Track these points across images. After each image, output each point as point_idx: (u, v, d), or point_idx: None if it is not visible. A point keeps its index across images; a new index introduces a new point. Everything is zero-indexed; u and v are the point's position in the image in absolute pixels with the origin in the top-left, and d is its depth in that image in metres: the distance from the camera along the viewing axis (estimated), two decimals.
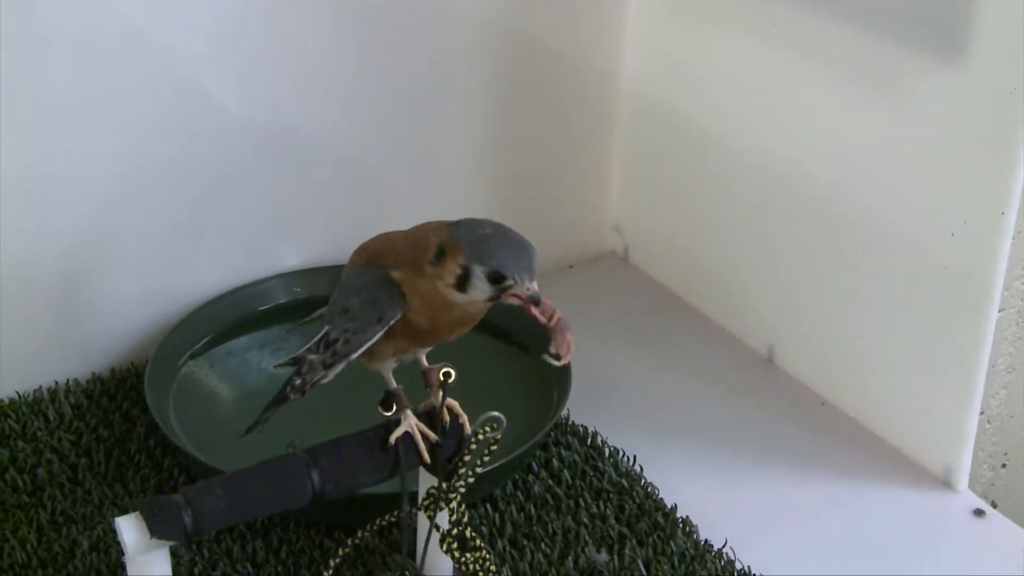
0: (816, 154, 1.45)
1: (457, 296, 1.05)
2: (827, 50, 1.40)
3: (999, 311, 1.32)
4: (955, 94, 1.27)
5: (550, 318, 1.05)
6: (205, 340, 1.49)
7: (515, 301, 1.05)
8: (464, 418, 1.13)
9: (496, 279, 1.04)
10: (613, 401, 1.50)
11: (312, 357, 1.12)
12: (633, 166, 1.75)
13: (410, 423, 1.11)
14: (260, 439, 1.31)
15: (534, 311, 1.05)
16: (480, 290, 1.04)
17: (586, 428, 1.43)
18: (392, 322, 1.07)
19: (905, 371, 1.41)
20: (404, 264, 1.07)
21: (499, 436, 1.13)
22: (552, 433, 1.41)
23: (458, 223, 1.07)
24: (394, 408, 1.12)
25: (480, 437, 1.13)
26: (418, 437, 1.11)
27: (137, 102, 1.40)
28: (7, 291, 1.40)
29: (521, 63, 1.63)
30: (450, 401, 1.13)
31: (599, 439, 1.41)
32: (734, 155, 1.56)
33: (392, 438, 1.10)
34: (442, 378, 1.13)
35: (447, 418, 1.12)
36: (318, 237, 1.57)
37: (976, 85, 1.25)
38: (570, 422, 1.43)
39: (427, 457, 1.11)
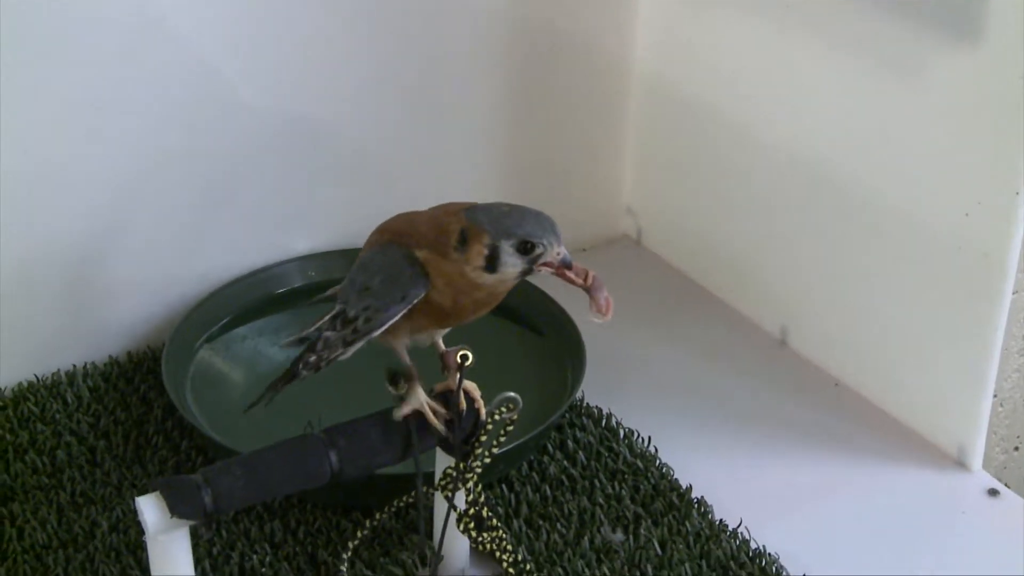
0: (829, 136, 1.46)
1: (487, 278, 1.05)
2: (840, 32, 1.40)
3: (1013, 293, 1.32)
4: (969, 75, 1.27)
5: (585, 278, 1.07)
6: (221, 324, 1.50)
7: (547, 270, 1.06)
8: (480, 402, 1.13)
9: (526, 249, 1.04)
10: (628, 383, 1.51)
11: (329, 334, 1.12)
12: (646, 149, 1.75)
13: (419, 399, 1.11)
14: (277, 420, 1.32)
15: (569, 275, 1.07)
16: (511, 265, 1.05)
17: (601, 410, 1.43)
18: (415, 301, 1.08)
19: (919, 352, 1.42)
20: (428, 245, 1.07)
21: (515, 417, 1.14)
22: (567, 415, 1.41)
23: (474, 207, 1.07)
24: (401, 384, 1.12)
25: (496, 418, 1.14)
26: (428, 412, 1.11)
27: (151, 90, 1.40)
28: (24, 276, 1.41)
29: (534, 46, 1.63)
30: (467, 383, 1.13)
31: (614, 420, 1.42)
32: (747, 138, 1.57)
33: (398, 413, 1.10)
34: (459, 360, 1.13)
35: (463, 403, 1.13)
36: (331, 222, 1.58)
37: (991, 66, 1.25)
38: (585, 404, 1.44)
39: (442, 429, 1.11)
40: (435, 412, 1.12)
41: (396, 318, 1.08)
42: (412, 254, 1.08)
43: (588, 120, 1.73)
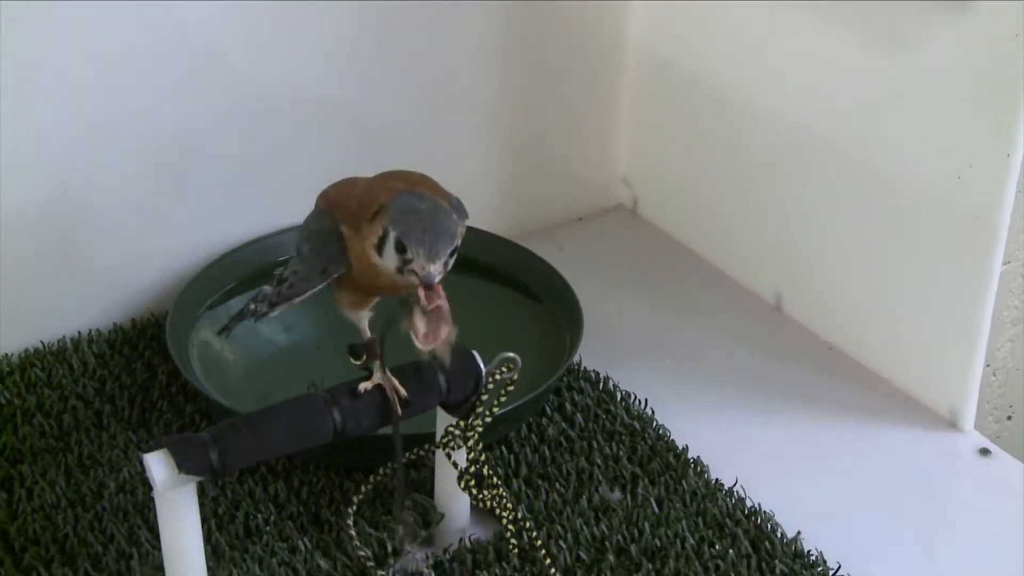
0: (821, 102, 1.48)
1: (375, 259, 1.07)
2: (832, 1, 1.42)
3: (1004, 263, 1.35)
4: (960, 39, 1.29)
5: (429, 302, 1.05)
6: (222, 291, 1.52)
7: (414, 280, 1.06)
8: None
9: (400, 249, 1.05)
10: (624, 348, 1.53)
11: (267, 288, 1.17)
12: (641, 120, 1.77)
13: (381, 376, 1.14)
14: (280, 383, 1.35)
15: (420, 292, 1.05)
16: (389, 257, 1.06)
17: (598, 373, 1.46)
18: (335, 276, 1.10)
19: (911, 315, 1.44)
20: (350, 221, 1.10)
21: (515, 376, 1.16)
22: (565, 378, 1.44)
23: (407, 192, 1.08)
24: (363, 358, 1.15)
25: (497, 377, 1.16)
26: (388, 387, 1.13)
27: (159, 60, 1.42)
28: (29, 244, 1.42)
29: (530, 20, 1.64)
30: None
31: (611, 384, 1.44)
32: (739, 107, 1.58)
33: (361, 387, 1.13)
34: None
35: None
36: None
37: (981, 29, 1.27)
38: (583, 368, 1.46)
39: (399, 410, 1.13)
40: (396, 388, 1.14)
41: (315, 290, 1.12)
42: (337, 228, 1.10)
43: (584, 92, 1.75)
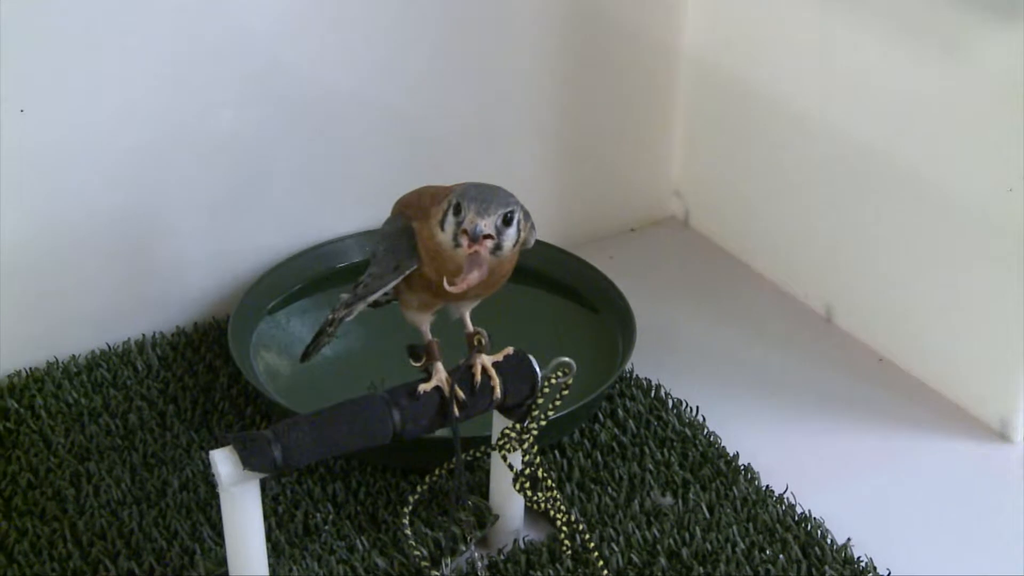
0: (873, 115, 1.49)
1: (439, 234, 1.10)
2: (885, 10, 1.44)
3: None
4: (1012, 51, 1.30)
5: (470, 245, 1.08)
6: (282, 296, 1.55)
7: (464, 240, 1.08)
8: (496, 380, 1.17)
9: (456, 211, 1.09)
10: (676, 357, 1.55)
11: (345, 295, 1.20)
12: (694, 132, 1.79)
13: (440, 377, 1.16)
14: (339, 385, 1.38)
15: (465, 240, 1.08)
16: (448, 225, 1.09)
17: (650, 381, 1.48)
18: (408, 272, 1.14)
19: (961, 327, 1.45)
20: (422, 215, 1.13)
21: (570, 381, 1.19)
22: (618, 385, 1.46)
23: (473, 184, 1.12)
24: (423, 360, 1.18)
25: (552, 381, 1.18)
26: (446, 388, 1.16)
27: (225, 69, 1.46)
28: (97, 250, 1.47)
29: (584, 30, 1.67)
30: (484, 360, 1.17)
31: (663, 391, 1.46)
32: (791, 119, 1.60)
33: (421, 389, 1.15)
34: (475, 343, 1.18)
35: (478, 378, 1.16)
36: (390, 199, 1.62)
37: None
38: (634, 376, 1.48)
39: (456, 411, 1.16)
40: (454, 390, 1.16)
41: (389, 286, 1.15)
42: (410, 226, 1.14)
43: (637, 103, 1.77)
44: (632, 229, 1.84)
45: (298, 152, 1.55)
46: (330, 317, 1.23)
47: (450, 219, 1.09)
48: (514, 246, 1.11)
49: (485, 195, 1.09)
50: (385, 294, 1.19)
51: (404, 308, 1.20)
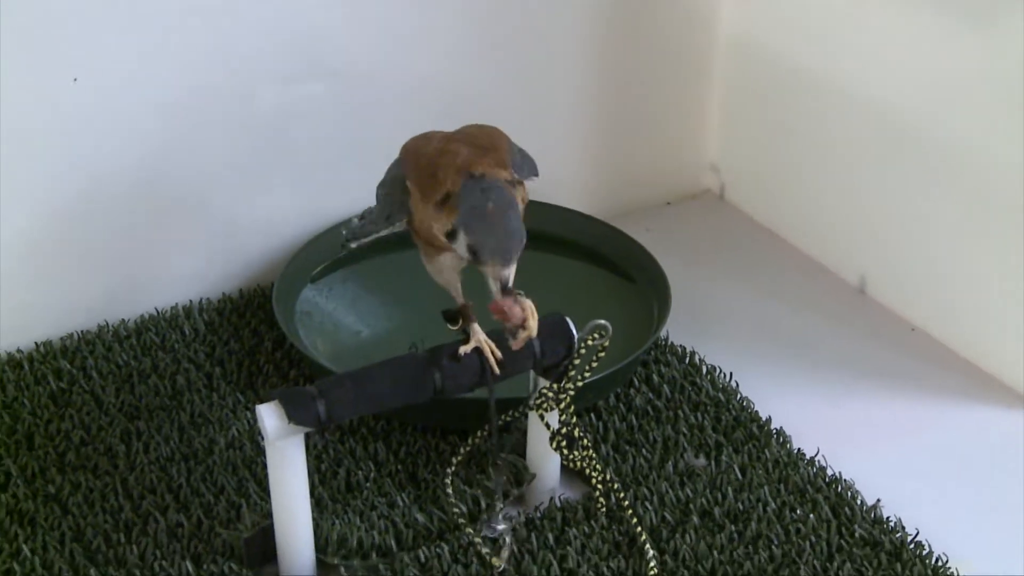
0: (909, 87, 1.51)
1: (442, 238, 1.13)
2: None
3: None
4: None
5: (503, 315, 1.11)
6: (324, 264, 1.59)
7: (491, 279, 1.11)
8: (531, 310, 1.14)
9: (473, 253, 1.10)
10: (710, 326, 1.58)
11: (354, 220, 1.27)
12: (730, 107, 1.81)
13: (479, 338, 1.19)
14: (379, 348, 1.41)
15: (498, 302, 1.11)
16: (462, 251, 1.12)
17: (684, 348, 1.50)
18: (396, 225, 1.17)
19: (994, 297, 1.47)
20: (417, 182, 1.16)
21: (606, 343, 1.22)
22: (652, 352, 1.49)
23: (473, 180, 1.12)
24: (460, 322, 1.21)
25: (589, 343, 1.21)
26: (487, 350, 1.19)
27: (265, 40, 1.50)
28: (144, 221, 1.51)
29: (623, 3, 1.69)
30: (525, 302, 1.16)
31: (697, 358, 1.49)
32: (827, 92, 1.62)
33: (461, 350, 1.18)
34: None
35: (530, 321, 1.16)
36: None
37: None
38: (669, 343, 1.51)
39: (496, 370, 1.18)
40: (492, 350, 1.19)
41: (380, 234, 1.19)
42: (404, 181, 1.17)
43: (675, 79, 1.79)
44: (668, 203, 1.87)
45: (340, 123, 1.58)
46: (343, 233, 1.27)
47: (463, 248, 1.10)
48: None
49: (499, 239, 1.09)
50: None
51: (426, 263, 1.21)
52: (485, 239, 1.10)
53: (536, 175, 1.21)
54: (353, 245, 1.24)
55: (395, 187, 1.18)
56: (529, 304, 1.13)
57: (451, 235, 1.12)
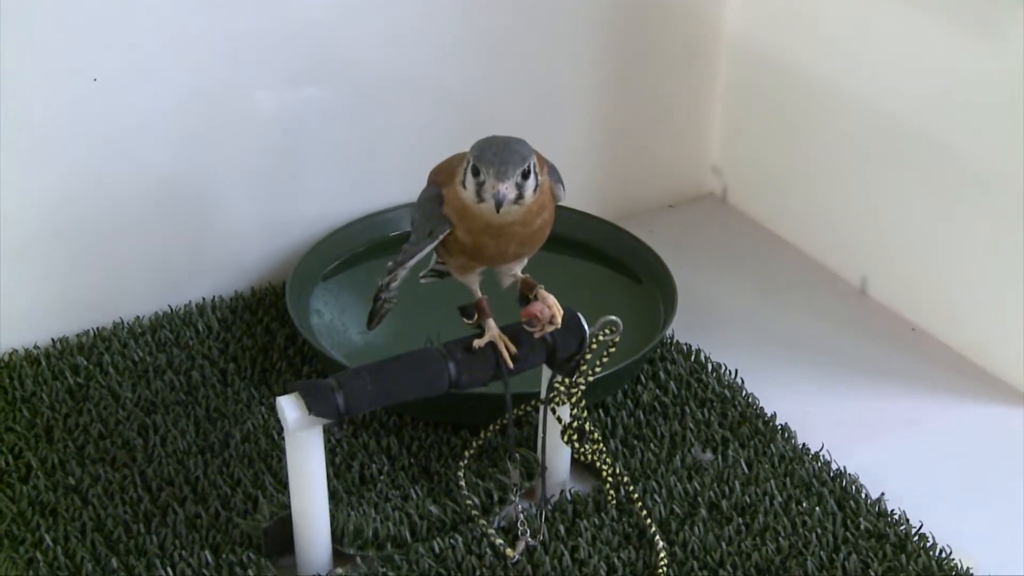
0: (912, 90, 1.54)
1: (462, 192, 1.16)
2: None
3: None
4: None
5: (541, 319, 1.20)
6: (337, 263, 1.62)
7: (490, 201, 1.13)
8: (557, 311, 1.21)
9: (475, 172, 1.14)
10: (715, 326, 1.60)
11: (389, 264, 1.26)
12: (733, 110, 1.84)
13: (493, 333, 1.22)
14: (390, 348, 1.43)
15: (529, 309, 1.20)
16: (469, 185, 1.15)
17: (690, 346, 1.53)
18: (442, 236, 1.19)
19: (994, 297, 1.50)
20: (447, 180, 1.19)
21: (617, 339, 1.24)
22: (659, 350, 1.51)
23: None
24: (475, 317, 1.23)
25: (600, 338, 1.24)
26: (501, 345, 1.21)
27: (280, 43, 1.52)
28: (158, 219, 1.53)
29: (626, 5, 1.72)
30: (549, 297, 1.22)
31: (702, 356, 1.52)
32: (829, 96, 1.65)
33: (476, 344, 1.21)
34: (530, 289, 1.24)
35: (557, 315, 1.21)
36: None
37: None
38: (675, 341, 1.54)
39: (510, 364, 1.21)
40: (507, 345, 1.21)
41: (425, 251, 1.21)
42: (440, 194, 1.20)
43: (678, 82, 1.82)
44: (670, 205, 1.89)
45: (349, 124, 1.61)
46: (379, 283, 1.29)
47: (469, 179, 1.15)
48: (535, 191, 1.16)
49: (502, 155, 1.13)
50: (441, 262, 1.25)
51: (452, 271, 1.26)
52: (484, 152, 1.13)
53: (562, 183, 1.23)
54: (397, 281, 1.25)
55: (432, 202, 1.20)
56: (552, 299, 1.21)
57: (464, 176, 1.14)
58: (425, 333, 1.44)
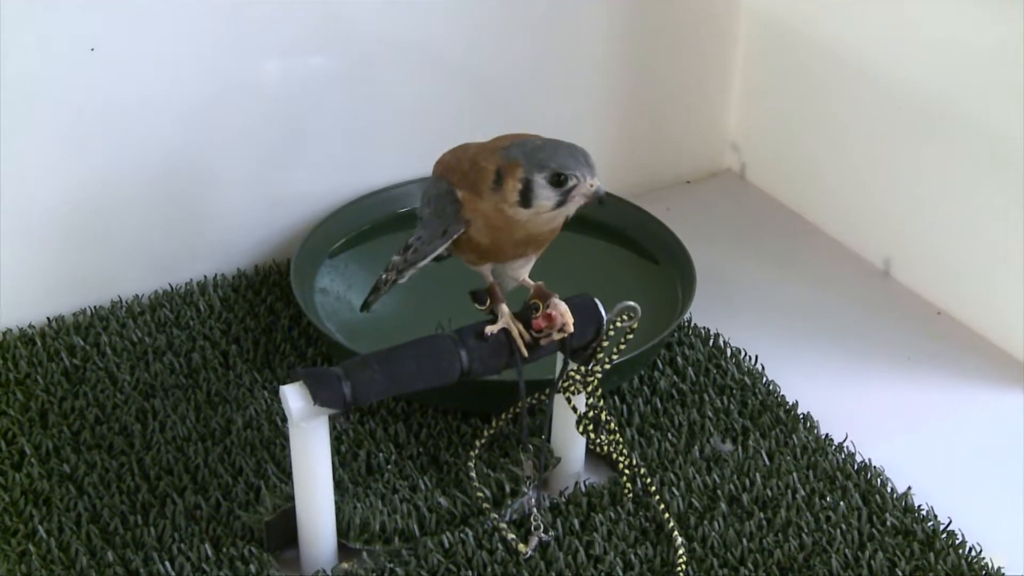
0: (937, 65, 1.48)
1: (523, 212, 1.11)
2: None
3: None
4: None
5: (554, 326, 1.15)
6: (342, 240, 1.56)
7: (581, 202, 1.10)
8: (569, 319, 1.16)
9: (559, 182, 1.09)
10: (734, 308, 1.55)
11: (396, 258, 1.21)
12: (751, 85, 1.78)
13: (506, 319, 1.17)
14: (397, 329, 1.39)
15: (540, 320, 1.15)
16: (545, 198, 1.10)
17: (708, 330, 1.48)
18: (455, 236, 1.14)
19: (1019, 280, 1.44)
20: (465, 185, 1.13)
21: (635, 325, 1.19)
22: (676, 334, 1.46)
23: (510, 145, 1.13)
24: (487, 303, 1.18)
25: (617, 325, 1.19)
26: (514, 330, 1.16)
27: (284, 16, 1.47)
28: (158, 194, 1.48)
29: None
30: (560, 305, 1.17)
31: (721, 340, 1.46)
32: (850, 71, 1.59)
33: (488, 330, 1.16)
34: (540, 295, 1.18)
35: (570, 322, 1.16)
36: (450, 145, 1.63)
37: None
38: (693, 325, 1.49)
39: (524, 352, 1.16)
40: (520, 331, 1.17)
41: (437, 252, 1.16)
42: (454, 192, 1.14)
43: (696, 57, 1.76)
44: (688, 181, 1.84)
45: (355, 102, 1.55)
46: (383, 277, 1.24)
47: (547, 193, 1.09)
48: None
49: (575, 155, 1.10)
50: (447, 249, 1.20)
51: (466, 262, 1.21)
52: (563, 159, 1.09)
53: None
54: (405, 278, 1.20)
55: (445, 200, 1.15)
56: (563, 305, 1.16)
57: (525, 193, 1.09)
58: (436, 317, 1.39)
